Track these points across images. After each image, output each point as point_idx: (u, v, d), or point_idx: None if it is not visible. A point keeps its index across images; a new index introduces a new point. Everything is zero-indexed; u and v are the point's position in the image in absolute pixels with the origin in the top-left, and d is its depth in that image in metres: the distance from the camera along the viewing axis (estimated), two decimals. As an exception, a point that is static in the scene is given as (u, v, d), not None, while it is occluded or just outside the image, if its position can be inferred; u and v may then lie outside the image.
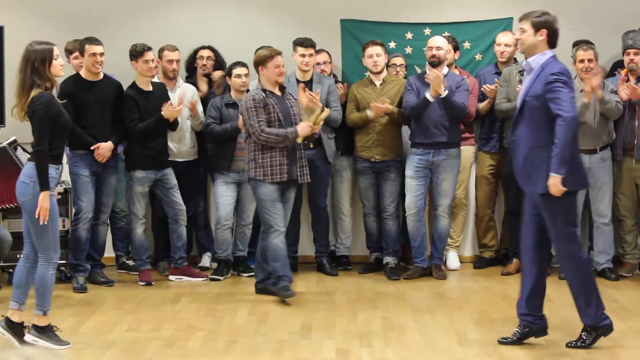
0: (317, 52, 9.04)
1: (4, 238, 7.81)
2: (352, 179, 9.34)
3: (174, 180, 8.70)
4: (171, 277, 8.86)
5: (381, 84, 8.97)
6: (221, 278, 8.83)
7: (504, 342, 6.55)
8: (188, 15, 9.56)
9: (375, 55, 8.90)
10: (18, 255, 8.44)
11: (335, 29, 9.56)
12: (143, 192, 8.68)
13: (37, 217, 6.20)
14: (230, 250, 8.94)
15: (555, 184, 6.11)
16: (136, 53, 8.51)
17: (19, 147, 8.13)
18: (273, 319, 7.33)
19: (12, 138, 8.16)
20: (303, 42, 8.88)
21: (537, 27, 6.30)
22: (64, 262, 8.59)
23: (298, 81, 8.87)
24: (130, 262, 9.12)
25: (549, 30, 6.31)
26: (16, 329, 6.48)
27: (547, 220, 6.34)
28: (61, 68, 6.37)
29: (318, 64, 9.10)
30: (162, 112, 8.39)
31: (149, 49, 8.53)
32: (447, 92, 8.57)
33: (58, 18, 9.46)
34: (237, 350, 6.44)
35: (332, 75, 9.27)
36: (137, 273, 8.76)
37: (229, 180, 8.87)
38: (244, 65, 8.81)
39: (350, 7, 9.61)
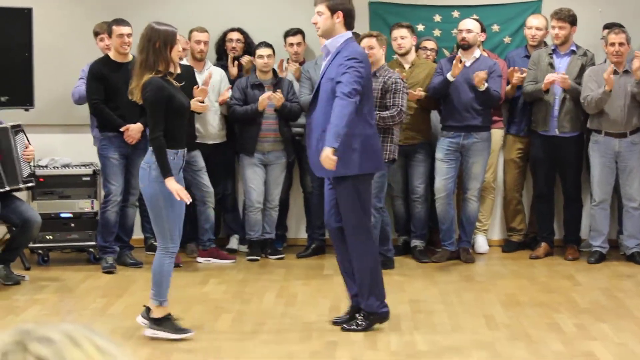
0: (364, 37, 9.02)
1: (33, 219, 7.83)
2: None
3: (201, 163, 8.71)
4: (199, 259, 8.89)
5: (410, 67, 8.93)
6: (259, 258, 8.88)
7: (337, 322, 6.61)
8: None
9: (399, 38, 8.85)
10: (47, 237, 8.57)
11: (363, 11, 9.49)
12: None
13: (158, 204, 6.09)
14: (260, 231, 8.97)
15: (327, 155, 6.02)
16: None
17: (21, 133, 8.08)
18: (301, 302, 7.36)
19: (18, 122, 8.12)
20: None
21: (332, 10, 6.24)
22: (93, 243, 8.64)
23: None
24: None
25: (345, 11, 6.26)
26: (163, 322, 6.35)
27: (340, 203, 6.37)
28: (179, 53, 6.22)
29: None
30: (192, 107, 8.34)
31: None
32: (486, 85, 8.51)
33: (85, 1, 9.47)
34: (265, 333, 6.46)
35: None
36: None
37: (254, 162, 8.88)
38: (267, 45, 8.81)
39: (379, -10, 9.57)
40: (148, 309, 6.34)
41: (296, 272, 8.45)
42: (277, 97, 8.63)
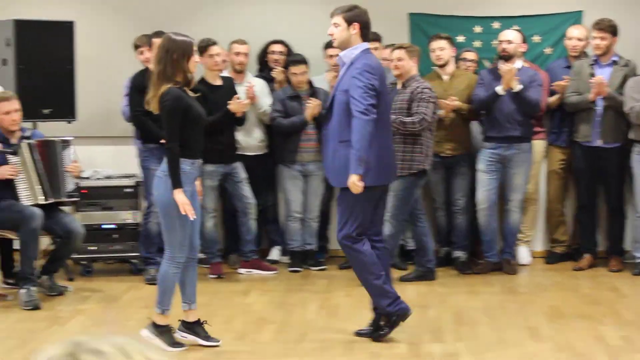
0: (395, 48, 9.04)
1: (76, 230, 7.88)
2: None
3: (243, 174, 8.73)
4: (241, 270, 8.91)
5: (449, 78, 8.91)
6: (301, 269, 8.89)
7: (360, 333, 6.65)
8: (256, 9, 9.58)
9: (438, 49, 8.84)
10: (90, 248, 8.62)
11: (403, 22, 9.53)
12: (212, 186, 8.72)
13: (171, 213, 6.09)
14: (300, 241, 8.97)
15: (352, 182, 6.16)
16: (201, 48, 8.55)
17: (69, 147, 8.14)
18: (343, 313, 7.35)
19: (68, 137, 8.18)
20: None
21: (349, 21, 6.30)
22: (136, 254, 8.69)
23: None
24: (201, 255, 9.15)
25: (361, 23, 6.31)
26: (194, 328, 6.44)
27: (337, 212, 6.50)
28: (195, 64, 6.23)
29: (391, 59, 9.09)
30: (229, 106, 8.41)
31: (214, 43, 8.55)
32: (521, 86, 8.49)
33: (127, 13, 9.55)
34: (308, 344, 6.46)
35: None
36: (208, 266, 8.80)
37: (294, 173, 8.90)
38: (301, 62, 8.87)
39: (418, 1, 9.56)
40: (184, 322, 6.42)
41: (338, 284, 8.44)
42: (316, 103, 8.66)
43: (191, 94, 6.24)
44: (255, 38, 9.18)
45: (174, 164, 6.06)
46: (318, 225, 9.11)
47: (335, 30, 6.34)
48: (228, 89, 8.62)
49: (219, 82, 8.65)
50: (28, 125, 8.33)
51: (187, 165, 6.14)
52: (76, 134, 8.63)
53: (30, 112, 8.29)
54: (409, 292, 8.02)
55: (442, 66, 8.89)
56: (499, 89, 8.52)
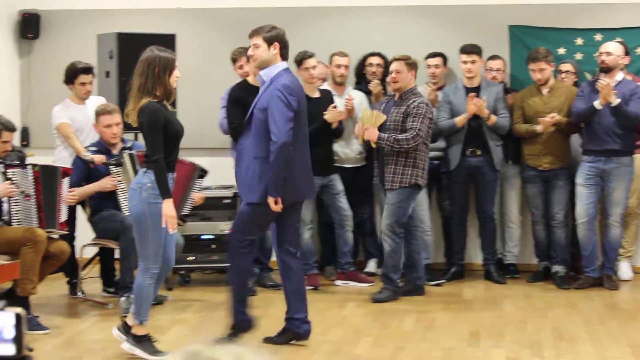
0: (492, 58, 9.00)
1: (176, 241, 7.94)
2: (521, 186, 9.18)
3: (340, 186, 8.74)
4: (338, 282, 8.91)
5: (548, 92, 8.81)
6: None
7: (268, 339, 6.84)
8: (353, 22, 9.59)
9: (538, 71, 8.74)
10: (189, 258, 8.70)
11: (503, 34, 9.44)
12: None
13: (144, 225, 6.20)
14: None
15: (270, 204, 6.41)
16: (297, 60, 8.58)
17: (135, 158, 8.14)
18: (440, 326, 7.30)
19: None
20: (465, 49, 8.90)
21: (269, 42, 6.49)
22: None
23: (466, 88, 8.83)
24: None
25: (281, 43, 6.52)
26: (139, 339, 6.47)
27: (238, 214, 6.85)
28: (176, 80, 6.30)
29: (491, 69, 9.05)
30: (325, 116, 8.42)
31: (310, 56, 8.56)
32: (619, 100, 8.35)
33: (225, 27, 9.63)
34: (405, 357, 6.43)
35: (502, 83, 9.17)
36: (305, 277, 8.79)
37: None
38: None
39: (518, 13, 9.46)
40: (125, 324, 6.46)
41: (435, 297, 8.38)
42: None
43: (170, 108, 6.37)
44: (352, 50, 9.17)
45: (161, 176, 6.15)
46: (431, 238, 9.00)
47: (256, 50, 6.53)
48: (326, 101, 8.63)
49: (316, 95, 8.67)
50: (129, 136, 8.44)
51: None
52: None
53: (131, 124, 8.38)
54: (506, 306, 7.96)
55: (542, 85, 8.79)
56: (597, 104, 8.39)
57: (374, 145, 8.26)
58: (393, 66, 8.19)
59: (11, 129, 7.47)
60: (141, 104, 6.16)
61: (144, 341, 6.39)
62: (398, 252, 8.20)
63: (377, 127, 8.08)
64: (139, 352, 6.36)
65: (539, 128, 8.63)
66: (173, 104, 6.43)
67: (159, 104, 6.21)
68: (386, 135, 7.99)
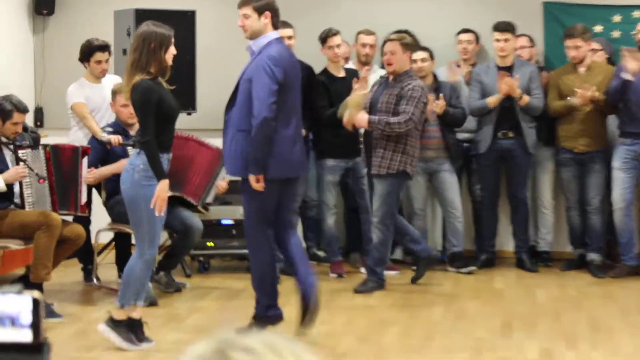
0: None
1: (195, 226, 7.74)
2: (554, 170, 8.91)
3: (364, 170, 8.46)
4: (363, 270, 8.61)
5: (586, 70, 8.50)
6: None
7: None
8: (381, 1, 9.32)
9: (573, 48, 8.44)
10: (208, 244, 8.45)
11: (536, 12, 9.18)
12: (334, 181, 8.52)
13: (137, 207, 6.03)
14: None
15: (251, 181, 6.13)
16: (322, 39, 8.39)
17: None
18: (471, 316, 7.12)
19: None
20: (497, 26, 8.61)
21: (260, 11, 6.23)
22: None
23: (498, 67, 8.56)
24: (321, 253, 8.96)
25: (272, 11, 6.26)
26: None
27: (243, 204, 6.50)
28: (172, 56, 6.11)
29: (523, 47, 8.77)
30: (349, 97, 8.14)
31: (334, 34, 8.36)
32: None
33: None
34: (433, 347, 6.26)
35: (535, 61, 8.89)
36: (329, 264, 8.57)
37: (417, 170, 8.52)
38: (422, 48, 8.50)
39: (553, -10, 9.19)
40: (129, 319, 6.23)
41: (465, 285, 8.17)
42: (440, 105, 8.27)
43: (166, 85, 6.14)
44: (380, 29, 8.87)
45: (154, 157, 5.96)
46: (462, 225, 8.69)
47: (246, 21, 6.27)
48: (351, 80, 8.34)
49: (342, 74, 8.43)
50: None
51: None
52: (196, 127, 8.51)
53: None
54: (539, 295, 7.70)
55: (578, 63, 8.49)
56: (627, 75, 8.06)
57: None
58: (387, 47, 7.78)
59: (22, 110, 7.26)
60: (134, 81, 5.99)
61: (120, 326, 6.18)
62: (386, 244, 7.94)
63: (367, 111, 7.71)
64: (112, 337, 6.15)
65: (577, 101, 8.32)
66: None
67: (152, 81, 6.02)
68: (377, 118, 7.61)
